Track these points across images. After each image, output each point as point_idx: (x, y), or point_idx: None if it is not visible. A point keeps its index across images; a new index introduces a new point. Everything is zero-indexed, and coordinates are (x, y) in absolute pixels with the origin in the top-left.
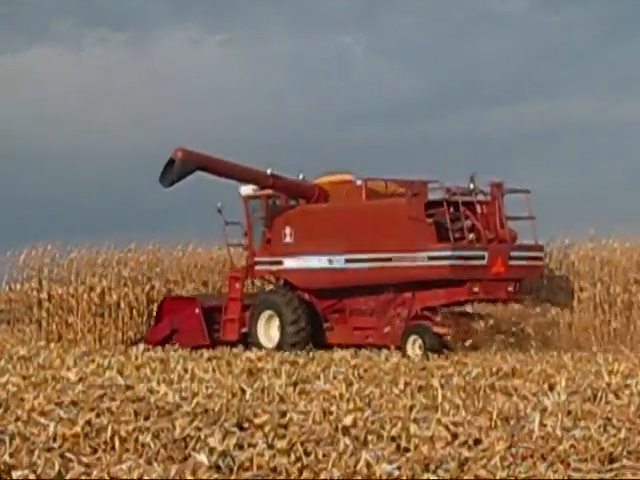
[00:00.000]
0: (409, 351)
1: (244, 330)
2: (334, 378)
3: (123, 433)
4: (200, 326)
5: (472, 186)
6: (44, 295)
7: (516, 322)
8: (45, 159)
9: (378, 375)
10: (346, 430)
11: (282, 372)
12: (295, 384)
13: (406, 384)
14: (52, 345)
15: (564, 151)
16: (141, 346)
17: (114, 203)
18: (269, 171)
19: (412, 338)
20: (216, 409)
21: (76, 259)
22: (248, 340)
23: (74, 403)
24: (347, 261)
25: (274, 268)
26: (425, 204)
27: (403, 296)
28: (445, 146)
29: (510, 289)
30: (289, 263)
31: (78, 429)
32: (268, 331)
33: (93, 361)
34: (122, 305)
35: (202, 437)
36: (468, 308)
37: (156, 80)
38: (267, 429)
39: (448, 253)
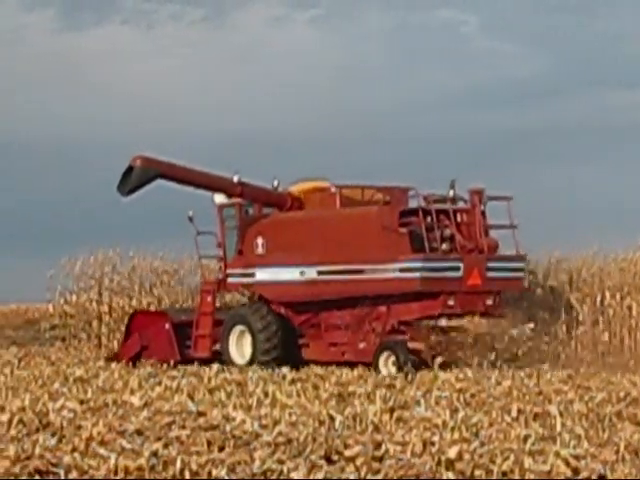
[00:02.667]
0: (382, 369)
1: (216, 347)
2: (436, 404)
3: (194, 466)
4: (170, 342)
5: (452, 193)
6: (104, 308)
7: (500, 338)
8: (113, 145)
9: (487, 401)
10: (450, 464)
11: (377, 397)
12: (391, 411)
13: (519, 411)
14: (113, 365)
15: None
16: (215, 366)
17: None
18: (236, 178)
19: (385, 354)
20: (301, 439)
21: (139, 266)
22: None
23: (138, 432)
24: (319, 273)
25: (246, 281)
26: (401, 213)
27: (378, 310)
28: (561, 134)
29: (489, 302)
30: (261, 275)
31: (143, 461)
32: (240, 347)
33: (160, 383)
34: None
35: (284, 471)
36: (442, 322)
37: (237, 61)
38: (359, 462)
39: (419, 264)
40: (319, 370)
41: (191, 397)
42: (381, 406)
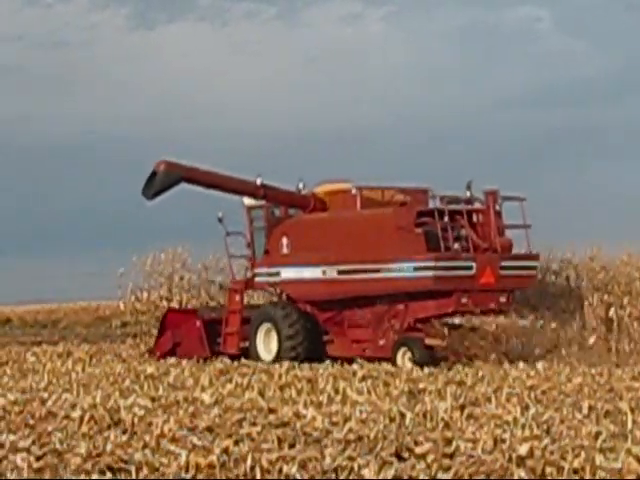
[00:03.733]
0: (399, 363)
1: (245, 344)
2: (507, 401)
3: (265, 463)
4: (200, 339)
5: (468, 194)
6: (175, 305)
7: (519, 335)
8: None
9: (558, 398)
10: (521, 461)
11: (447, 393)
12: (462, 407)
13: (590, 408)
14: (184, 363)
15: None
16: (285, 363)
17: None
18: (259, 181)
19: (402, 350)
20: (371, 436)
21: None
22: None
23: (209, 429)
24: (339, 272)
25: (272, 280)
26: (418, 213)
27: (396, 308)
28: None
29: (502, 300)
30: (286, 274)
31: (214, 458)
32: (267, 344)
33: (231, 380)
34: None
35: (355, 468)
36: (457, 320)
37: (309, 57)
38: (430, 459)
39: (431, 264)
40: (390, 367)
41: (262, 394)
42: (452, 403)
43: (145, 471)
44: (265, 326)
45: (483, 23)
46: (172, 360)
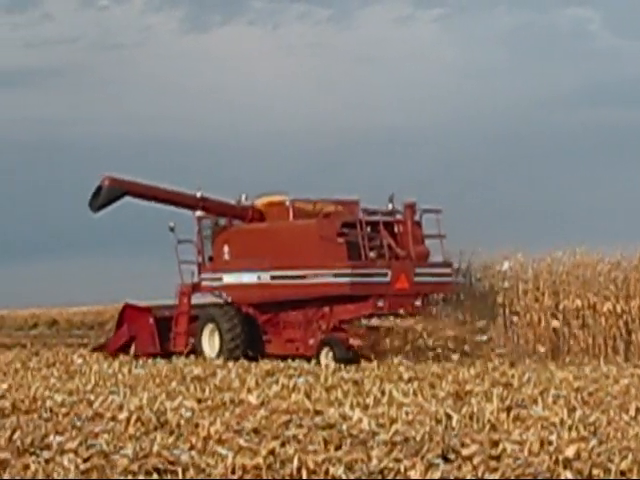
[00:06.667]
0: (322, 361)
1: (192, 341)
2: (554, 403)
3: (311, 464)
4: (152, 336)
5: (390, 206)
6: None
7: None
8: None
9: (605, 399)
10: (568, 463)
11: (494, 395)
12: (509, 409)
13: (638, 410)
14: (230, 364)
15: None
16: (332, 365)
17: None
18: (199, 194)
19: (325, 349)
20: (417, 438)
21: None
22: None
23: (256, 430)
24: (272, 277)
25: (215, 284)
26: (343, 224)
27: (323, 310)
28: None
29: (417, 304)
30: (227, 279)
31: (260, 460)
32: (212, 342)
33: (277, 382)
34: None
35: (401, 470)
36: (374, 321)
37: (360, 60)
38: (476, 461)
39: (348, 271)
40: (436, 369)
41: (308, 396)
42: (498, 405)
43: (192, 472)
44: (209, 326)
45: (534, 25)
46: (218, 362)
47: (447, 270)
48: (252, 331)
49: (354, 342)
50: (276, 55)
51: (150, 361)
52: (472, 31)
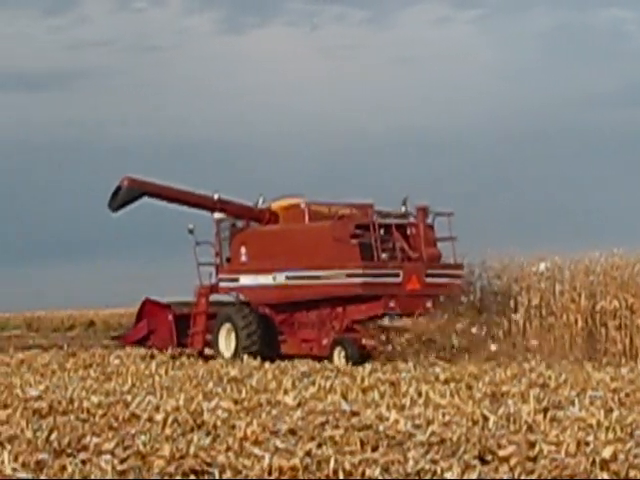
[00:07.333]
0: (335, 361)
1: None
2: (591, 404)
3: (348, 466)
4: (170, 332)
5: (403, 209)
6: None
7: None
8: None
9: None
10: (605, 464)
11: (530, 396)
12: (545, 410)
13: None
14: (267, 365)
15: None
16: (367, 366)
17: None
18: (216, 196)
19: (337, 349)
20: (454, 439)
21: None
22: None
23: (292, 431)
24: (287, 278)
25: (232, 285)
26: (357, 226)
27: (336, 310)
28: None
29: (428, 304)
30: (243, 280)
31: (297, 461)
32: (228, 342)
33: (314, 383)
34: None
35: (438, 471)
36: (385, 321)
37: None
38: (513, 462)
39: (360, 271)
40: (473, 369)
41: (344, 397)
42: (535, 406)
43: (228, 474)
44: (226, 326)
45: (571, 25)
46: (255, 363)
47: (457, 272)
48: (268, 331)
49: (367, 342)
50: (313, 57)
51: (187, 362)
52: (509, 32)
